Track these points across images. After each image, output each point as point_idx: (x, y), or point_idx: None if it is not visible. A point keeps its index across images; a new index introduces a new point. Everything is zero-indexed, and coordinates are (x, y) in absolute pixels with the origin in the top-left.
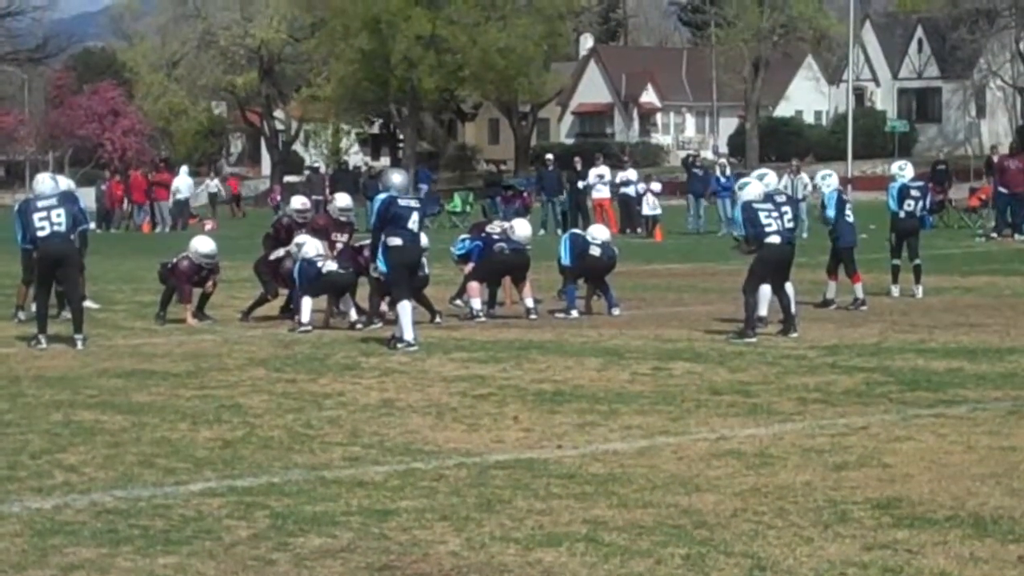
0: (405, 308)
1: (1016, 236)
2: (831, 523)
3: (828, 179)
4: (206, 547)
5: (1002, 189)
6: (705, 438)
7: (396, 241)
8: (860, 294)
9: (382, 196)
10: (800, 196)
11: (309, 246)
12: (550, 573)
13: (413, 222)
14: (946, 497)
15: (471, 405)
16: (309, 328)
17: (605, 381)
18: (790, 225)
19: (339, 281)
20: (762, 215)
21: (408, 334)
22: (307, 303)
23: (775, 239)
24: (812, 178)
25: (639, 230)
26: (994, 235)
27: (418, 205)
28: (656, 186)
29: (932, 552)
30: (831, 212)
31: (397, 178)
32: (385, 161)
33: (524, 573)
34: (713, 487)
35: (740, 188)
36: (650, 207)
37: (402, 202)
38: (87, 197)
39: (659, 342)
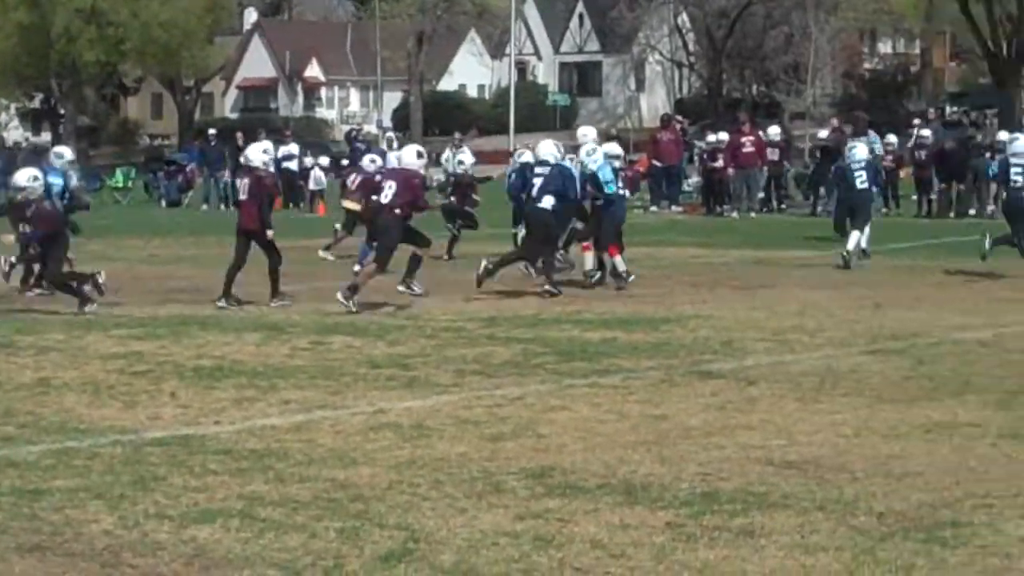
0: None
1: (672, 208)
2: (485, 493)
3: (594, 153)
4: None
5: (656, 162)
6: (363, 411)
7: None
8: (590, 265)
9: None
10: (460, 171)
11: None
12: (204, 550)
13: None
14: (598, 465)
15: (128, 382)
16: None
17: (264, 356)
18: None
19: None
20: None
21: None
22: None
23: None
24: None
25: (302, 205)
26: (653, 208)
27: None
28: (324, 160)
29: (583, 520)
30: (612, 187)
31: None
32: (47, 136)
33: (178, 551)
34: (369, 460)
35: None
36: (315, 182)
37: None
38: None
39: (319, 316)
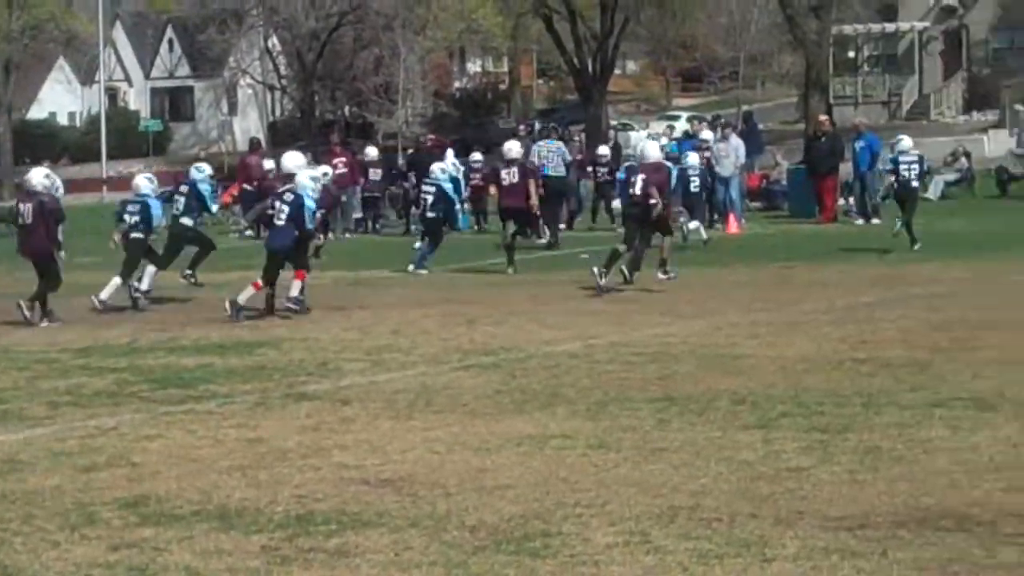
0: None
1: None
2: (79, 525)
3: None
4: None
5: (247, 186)
6: None
7: None
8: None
9: None
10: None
11: None
12: None
13: None
14: (193, 492)
15: None
16: None
17: None
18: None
19: None
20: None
21: None
22: None
23: None
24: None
25: None
26: (249, 232)
27: None
28: None
29: (178, 548)
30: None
31: None
32: None
33: None
34: None
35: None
36: None
37: None
38: None
39: None
